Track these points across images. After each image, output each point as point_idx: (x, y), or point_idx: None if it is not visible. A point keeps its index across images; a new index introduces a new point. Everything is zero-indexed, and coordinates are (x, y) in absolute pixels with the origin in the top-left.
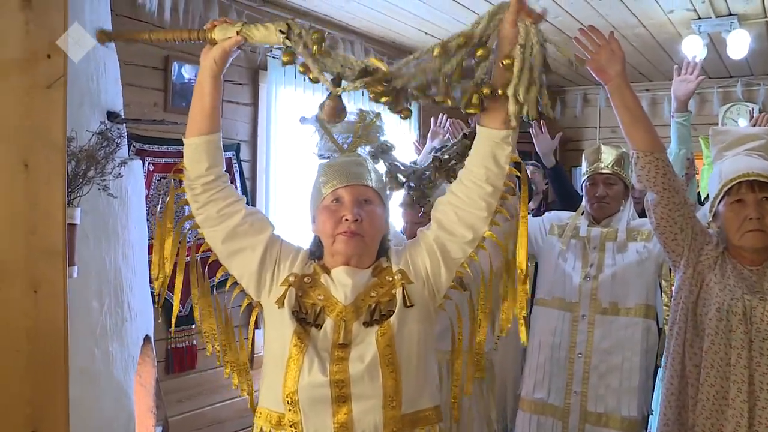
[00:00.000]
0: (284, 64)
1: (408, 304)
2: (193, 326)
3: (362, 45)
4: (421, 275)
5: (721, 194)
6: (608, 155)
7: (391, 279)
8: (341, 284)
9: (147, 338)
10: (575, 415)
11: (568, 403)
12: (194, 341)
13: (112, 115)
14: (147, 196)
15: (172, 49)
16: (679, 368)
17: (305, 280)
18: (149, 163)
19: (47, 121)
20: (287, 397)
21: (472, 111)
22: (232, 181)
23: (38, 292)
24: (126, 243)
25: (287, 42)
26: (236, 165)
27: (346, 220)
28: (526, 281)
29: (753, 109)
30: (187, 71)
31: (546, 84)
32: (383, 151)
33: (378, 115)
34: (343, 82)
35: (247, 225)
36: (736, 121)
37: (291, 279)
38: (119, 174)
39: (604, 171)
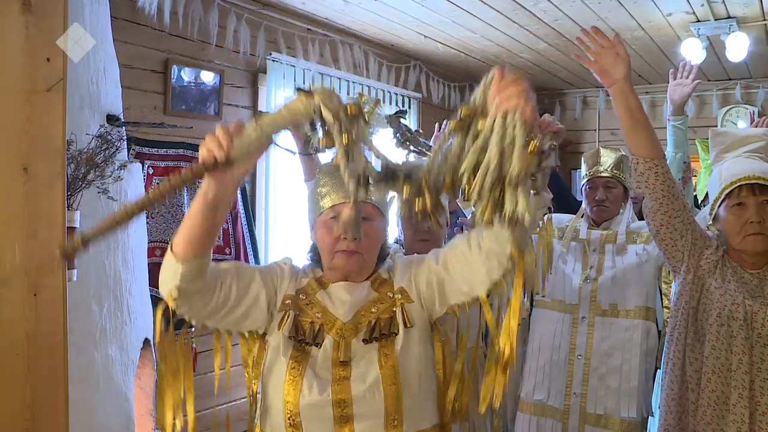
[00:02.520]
0: (322, 147)
1: (408, 325)
2: (193, 329)
3: (361, 48)
4: (421, 296)
5: (722, 197)
6: (607, 158)
7: (392, 295)
8: (340, 300)
9: (146, 341)
10: (575, 416)
11: (568, 405)
12: (193, 344)
13: (111, 118)
14: None
15: (172, 52)
16: (680, 373)
17: (300, 297)
18: (149, 167)
19: (47, 125)
20: (288, 419)
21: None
22: None
23: (38, 296)
24: (126, 247)
25: (324, 117)
26: None
27: (345, 238)
28: (506, 369)
29: (753, 112)
30: (186, 74)
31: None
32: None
33: (377, 101)
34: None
35: (237, 290)
36: (735, 124)
37: (288, 302)
38: (119, 177)
39: (603, 174)
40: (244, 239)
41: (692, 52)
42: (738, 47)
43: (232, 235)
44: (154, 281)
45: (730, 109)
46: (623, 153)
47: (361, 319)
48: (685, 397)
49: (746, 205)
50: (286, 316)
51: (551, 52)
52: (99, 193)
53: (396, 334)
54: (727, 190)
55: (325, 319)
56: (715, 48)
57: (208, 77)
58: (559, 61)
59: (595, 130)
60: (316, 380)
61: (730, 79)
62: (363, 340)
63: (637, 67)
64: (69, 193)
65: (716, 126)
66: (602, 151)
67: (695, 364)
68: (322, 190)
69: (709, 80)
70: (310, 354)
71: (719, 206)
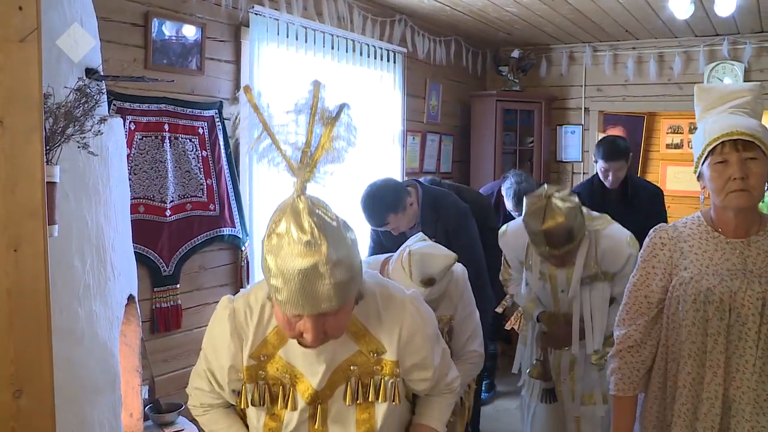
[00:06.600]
0: None
1: (394, 402)
2: (178, 286)
3: (346, 1)
4: (402, 371)
5: (705, 154)
6: (559, 239)
7: (375, 356)
8: (306, 357)
9: (131, 298)
10: (568, 400)
11: (560, 390)
12: (179, 301)
13: (90, 72)
14: (128, 156)
15: (152, 4)
16: (662, 364)
17: (261, 358)
18: (131, 122)
19: (22, 76)
20: None
21: None
22: (216, 140)
23: (18, 251)
24: (107, 202)
25: None
26: (219, 123)
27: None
28: None
29: None
30: (167, 28)
31: None
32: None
33: (344, 106)
34: None
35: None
36: (722, 80)
37: (251, 373)
38: (99, 131)
39: (557, 253)
40: (228, 195)
41: (680, 6)
42: (726, 1)
43: (216, 192)
44: (137, 238)
45: (717, 65)
46: (572, 218)
47: (337, 379)
48: (665, 386)
49: (729, 161)
50: (244, 391)
51: (538, 6)
52: (79, 147)
53: (377, 394)
54: (710, 147)
55: (293, 380)
56: (703, 2)
57: (189, 31)
58: (546, 16)
59: (582, 86)
60: None
61: (717, 35)
62: (343, 398)
63: (623, 22)
64: (48, 147)
65: (702, 82)
66: (549, 226)
67: (674, 351)
68: (274, 284)
69: (696, 36)
70: (283, 420)
71: (703, 163)
